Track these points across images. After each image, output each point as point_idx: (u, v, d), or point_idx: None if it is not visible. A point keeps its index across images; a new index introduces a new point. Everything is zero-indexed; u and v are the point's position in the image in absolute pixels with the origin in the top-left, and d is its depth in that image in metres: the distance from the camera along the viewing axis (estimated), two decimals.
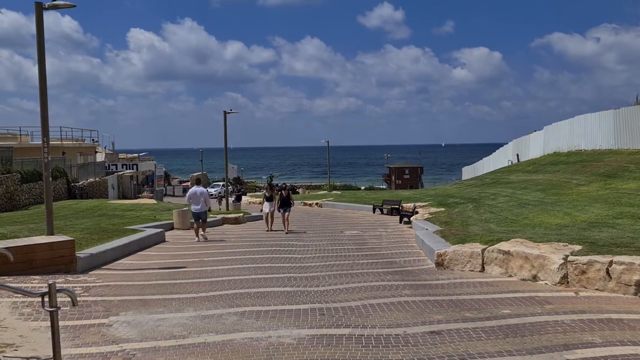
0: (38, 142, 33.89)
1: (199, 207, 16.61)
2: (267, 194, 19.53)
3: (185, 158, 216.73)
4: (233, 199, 34.74)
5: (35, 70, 12.08)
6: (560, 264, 8.67)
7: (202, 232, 16.58)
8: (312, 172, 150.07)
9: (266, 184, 20.96)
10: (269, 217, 19.07)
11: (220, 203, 39.44)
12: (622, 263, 7.99)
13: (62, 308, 4.97)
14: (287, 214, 18.62)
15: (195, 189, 17.06)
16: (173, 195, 61.77)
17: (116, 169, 47.66)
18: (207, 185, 59.63)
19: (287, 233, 17.98)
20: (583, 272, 8.39)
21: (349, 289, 8.96)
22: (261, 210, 20.25)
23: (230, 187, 56.05)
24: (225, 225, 22.10)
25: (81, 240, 12.66)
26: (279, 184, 22.19)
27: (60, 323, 5.29)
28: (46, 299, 4.44)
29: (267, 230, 18.78)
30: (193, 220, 17.11)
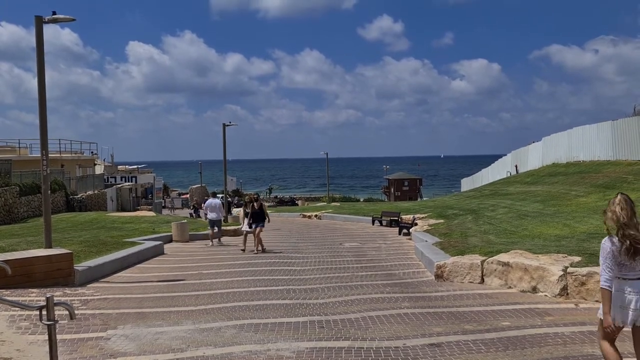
0: (37, 154, 33.77)
1: (215, 215, 19.04)
2: (247, 210, 17.23)
3: (184, 170, 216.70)
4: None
5: (34, 83, 12.13)
6: (560, 276, 8.65)
7: (215, 238, 19.07)
8: (312, 183, 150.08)
9: (247, 198, 19.02)
10: (247, 236, 16.93)
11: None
12: None
13: (60, 321, 4.94)
14: (258, 229, 16.17)
15: (211, 200, 19.90)
16: (173, 208, 61.62)
17: (115, 181, 47.53)
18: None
19: (257, 253, 15.75)
20: (583, 284, 8.37)
21: (348, 301, 8.93)
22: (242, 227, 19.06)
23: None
24: (224, 237, 22.03)
25: (79, 253, 12.62)
26: (254, 194, 19.81)
27: (58, 336, 5.26)
28: (44, 312, 4.41)
29: (243, 250, 16.35)
30: (209, 228, 19.44)
